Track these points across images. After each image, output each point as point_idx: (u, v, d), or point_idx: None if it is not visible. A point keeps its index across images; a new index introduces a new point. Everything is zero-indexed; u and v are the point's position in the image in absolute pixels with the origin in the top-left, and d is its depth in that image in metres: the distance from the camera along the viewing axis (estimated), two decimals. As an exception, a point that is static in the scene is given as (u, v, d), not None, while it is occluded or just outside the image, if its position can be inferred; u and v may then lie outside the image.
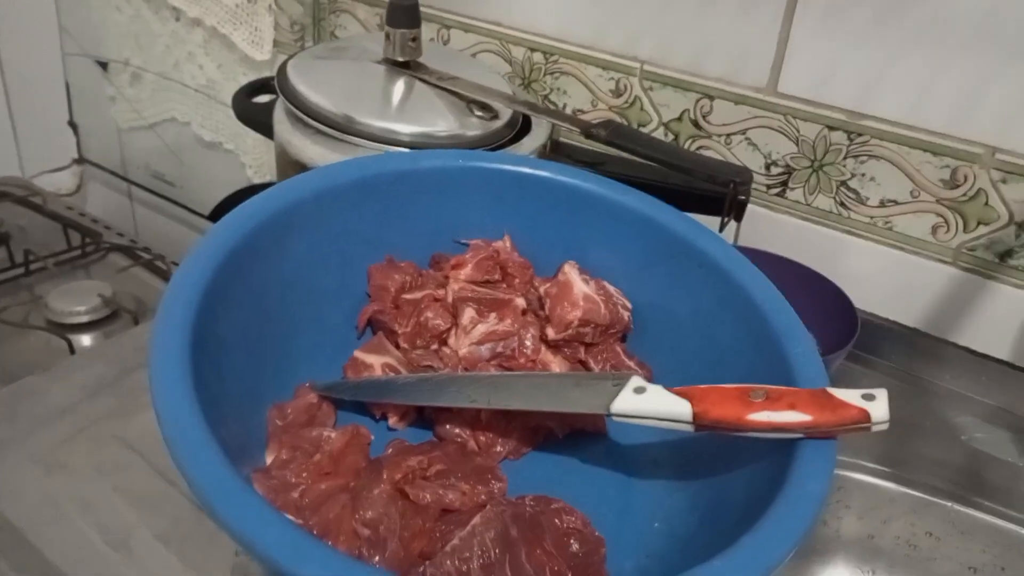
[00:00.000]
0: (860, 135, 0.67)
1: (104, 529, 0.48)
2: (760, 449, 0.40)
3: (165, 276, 1.01)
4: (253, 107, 0.71)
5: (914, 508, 0.59)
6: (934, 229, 0.67)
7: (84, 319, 0.91)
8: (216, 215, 1.14)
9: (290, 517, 0.37)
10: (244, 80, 1.04)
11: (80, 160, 1.40)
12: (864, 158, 0.67)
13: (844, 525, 0.60)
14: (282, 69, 0.64)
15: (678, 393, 0.40)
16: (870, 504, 0.60)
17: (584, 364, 0.52)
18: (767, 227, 0.73)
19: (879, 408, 0.37)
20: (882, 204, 0.68)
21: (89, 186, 1.43)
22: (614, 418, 0.41)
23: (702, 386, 0.40)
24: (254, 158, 1.12)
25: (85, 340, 0.90)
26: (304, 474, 0.40)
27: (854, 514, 0.60)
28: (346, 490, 0.41)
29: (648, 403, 0.40)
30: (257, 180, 1.13)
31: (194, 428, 0.33)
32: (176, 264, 1.01)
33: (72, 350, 0.84)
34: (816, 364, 0.43)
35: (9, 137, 1.34)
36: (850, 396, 0.38)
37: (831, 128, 0.68)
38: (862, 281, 0.69)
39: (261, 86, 0.73)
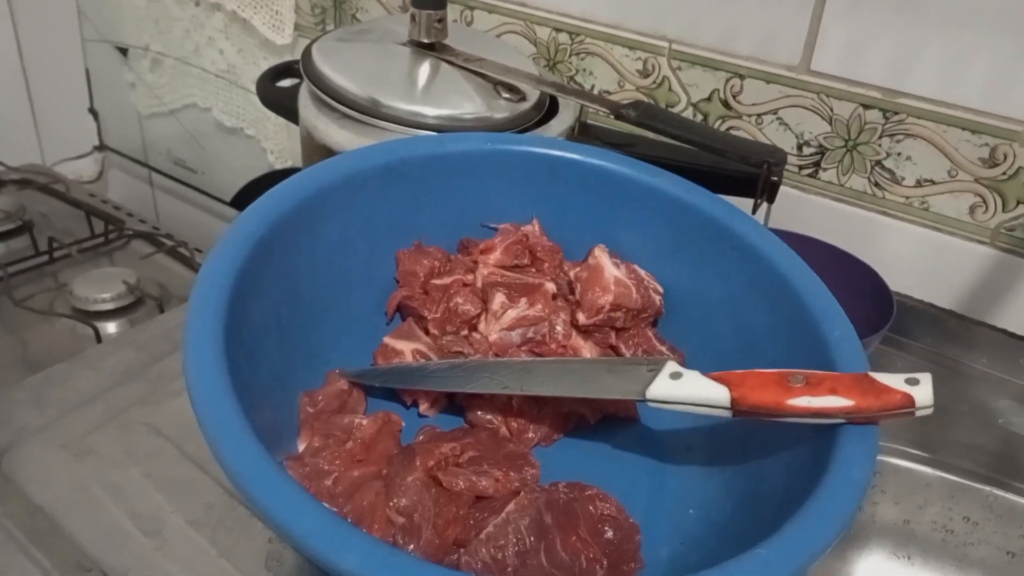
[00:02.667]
0: (896, 113, 0.65)
1: (136, 515, 0.48)
2: (798, 435, 0.39)
3: (188, 263, 1.01)
4: (277, 91, 0.70)
5: (950, 493, 0.58)
6: (972, 209, 0.65)
7: (109, 306, 0.91)
8: (238, 201, 1.14)
9: (325, 505, 0.37)
10: (265, 65, 1.03)
11: (101, 147, 1.40)
12: (900, 137, 0.66)
13: (880, 510, 0.60)
14: (307, 52, 0.64)
15: (715, 378, 0.39)
16: (906, 489, 0.59)
17: (615, 349, 0.51)
18: (799, 208, 0.72)
19: (923, 393, 0.36)
20: (918, 184, 0.66)
21: (110, 173, 1.43)
22: (649, 404, 0.40)
23: (739, 371, 0.40)
24: (276, 143, 1.11)
25: (110, 327, 0.90)
26: (337, 461, 0.40)
27: (890, 499, 0.59)
28: (379, 477, 0.40)
29: (685, 389, 0.40)
30: (279, 165, 1.12)
31: (230, 415, 0.33)
32: (199, 251, 1.01)
33: (98, 337, 0.85)
34: (856, 348, 0.42)
35: (30, 124, 1.34)
36: (893, 380, 0.37)
37: (866, 107, 0.66)
38: (896, 262, 0.67)
39: (285, 70, 0.72)
